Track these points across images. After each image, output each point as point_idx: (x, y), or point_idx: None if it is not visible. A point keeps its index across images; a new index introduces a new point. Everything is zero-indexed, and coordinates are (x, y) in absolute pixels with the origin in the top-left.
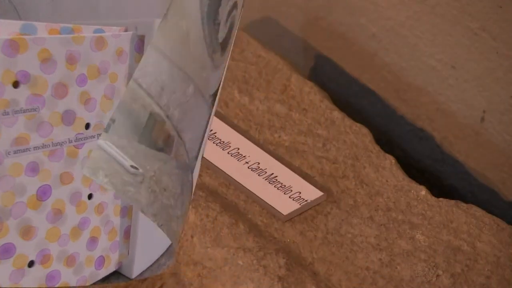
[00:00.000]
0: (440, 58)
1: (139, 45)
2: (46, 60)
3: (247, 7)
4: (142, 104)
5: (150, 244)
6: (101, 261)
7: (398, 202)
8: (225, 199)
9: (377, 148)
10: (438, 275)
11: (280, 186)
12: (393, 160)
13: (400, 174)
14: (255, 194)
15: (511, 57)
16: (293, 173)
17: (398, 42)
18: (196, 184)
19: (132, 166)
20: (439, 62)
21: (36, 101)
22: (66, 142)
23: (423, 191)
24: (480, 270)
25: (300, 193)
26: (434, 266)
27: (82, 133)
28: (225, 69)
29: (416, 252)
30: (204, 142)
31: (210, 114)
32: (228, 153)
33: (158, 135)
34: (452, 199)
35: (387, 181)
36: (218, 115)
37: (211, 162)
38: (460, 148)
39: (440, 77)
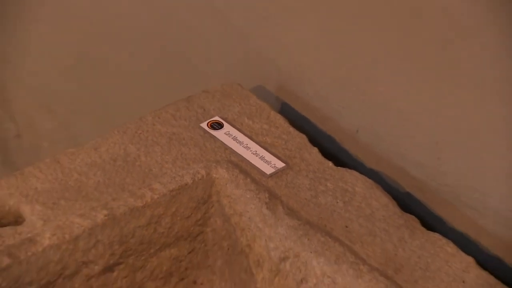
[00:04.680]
0: (344, 106)
1: None
2: None
3: (252, 79)
4: None
5: None
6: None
7: (319, 168)
8: (241, 167)
9: (310, 144)
10: (337, 202)
11: (266, 161)
12: (317, 150)
13: (320, 157)
14: (254, 165)
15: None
16: (271, 155)
17: (319, 94)
18: (230, 161)
19: None
20: (342, 108)
21: None
22: None
23: (330, 164)
24: (358, 194)
25: (275, 164)
26: (336, 197)
27: None
28: None
29: (327, 191)
30: None
31: None
32: (242, 146)
33: None
34: (344, 167)
35: (314, 159)
36: (238, 129)
37: (235, 151)
38: (347, 145)
39: (340, 116)
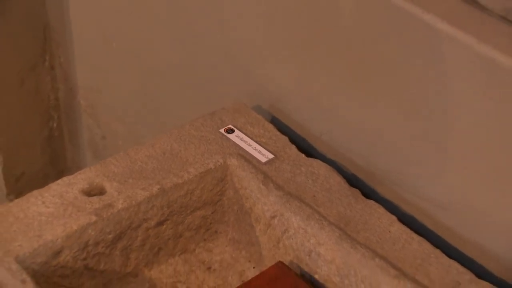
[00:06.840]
0: (313, 118)
1: None
2: None
3: (253, 100)
4: None
5: None
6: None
7: (296, 159)
8: (246, 157)
9: (290, 143)
10: (308, 180)
11: (262, 154)
12: (295, 147)
13: (297, 151)
14: (254, 156)
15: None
16: (265, 150)
17: (297, 110)
18: (239, 154)
19: None
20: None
21: None
22: None
23: (303, 156)
24: (321, 175)
25: (267, 156)
26: (307, 177)
27: None
28: None
29: (301, 173)
30: None
31: None
32: (246, 144)
33: None
34: (312, 158)
35: (293, 152)
36: (244, 133)
37: (242, 147)
38: (315, 144)
39: (310, 124)
